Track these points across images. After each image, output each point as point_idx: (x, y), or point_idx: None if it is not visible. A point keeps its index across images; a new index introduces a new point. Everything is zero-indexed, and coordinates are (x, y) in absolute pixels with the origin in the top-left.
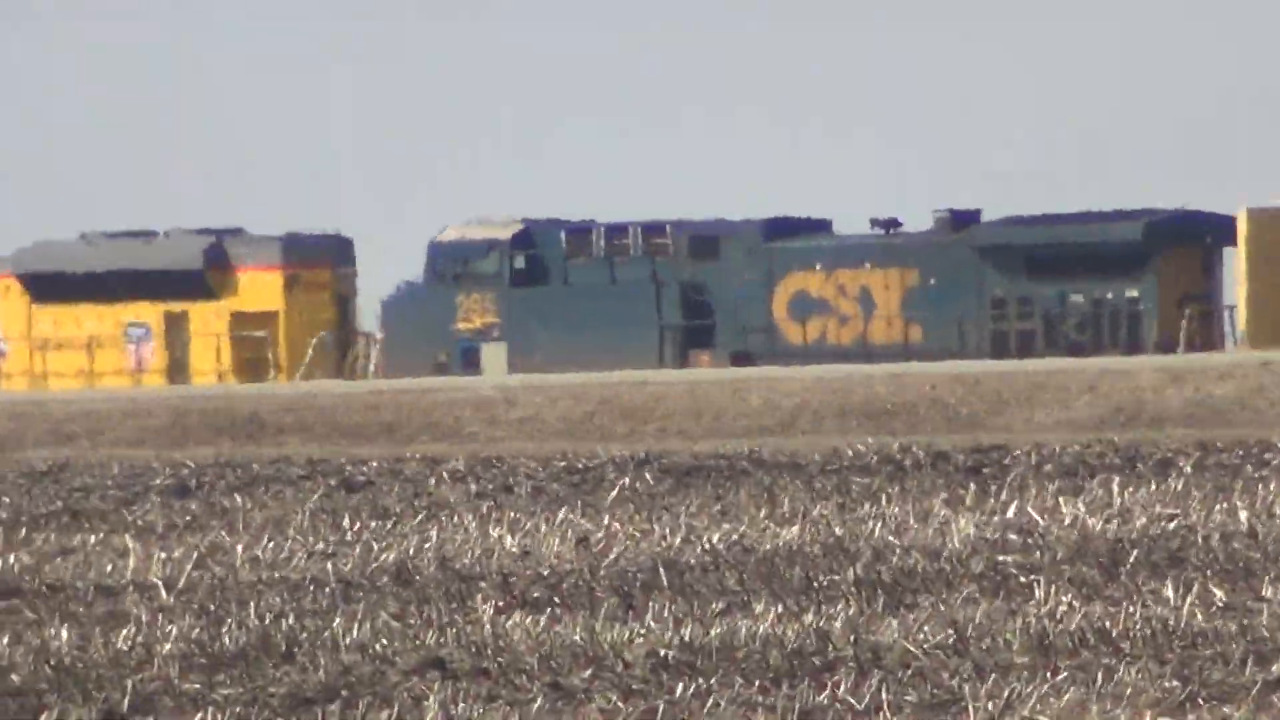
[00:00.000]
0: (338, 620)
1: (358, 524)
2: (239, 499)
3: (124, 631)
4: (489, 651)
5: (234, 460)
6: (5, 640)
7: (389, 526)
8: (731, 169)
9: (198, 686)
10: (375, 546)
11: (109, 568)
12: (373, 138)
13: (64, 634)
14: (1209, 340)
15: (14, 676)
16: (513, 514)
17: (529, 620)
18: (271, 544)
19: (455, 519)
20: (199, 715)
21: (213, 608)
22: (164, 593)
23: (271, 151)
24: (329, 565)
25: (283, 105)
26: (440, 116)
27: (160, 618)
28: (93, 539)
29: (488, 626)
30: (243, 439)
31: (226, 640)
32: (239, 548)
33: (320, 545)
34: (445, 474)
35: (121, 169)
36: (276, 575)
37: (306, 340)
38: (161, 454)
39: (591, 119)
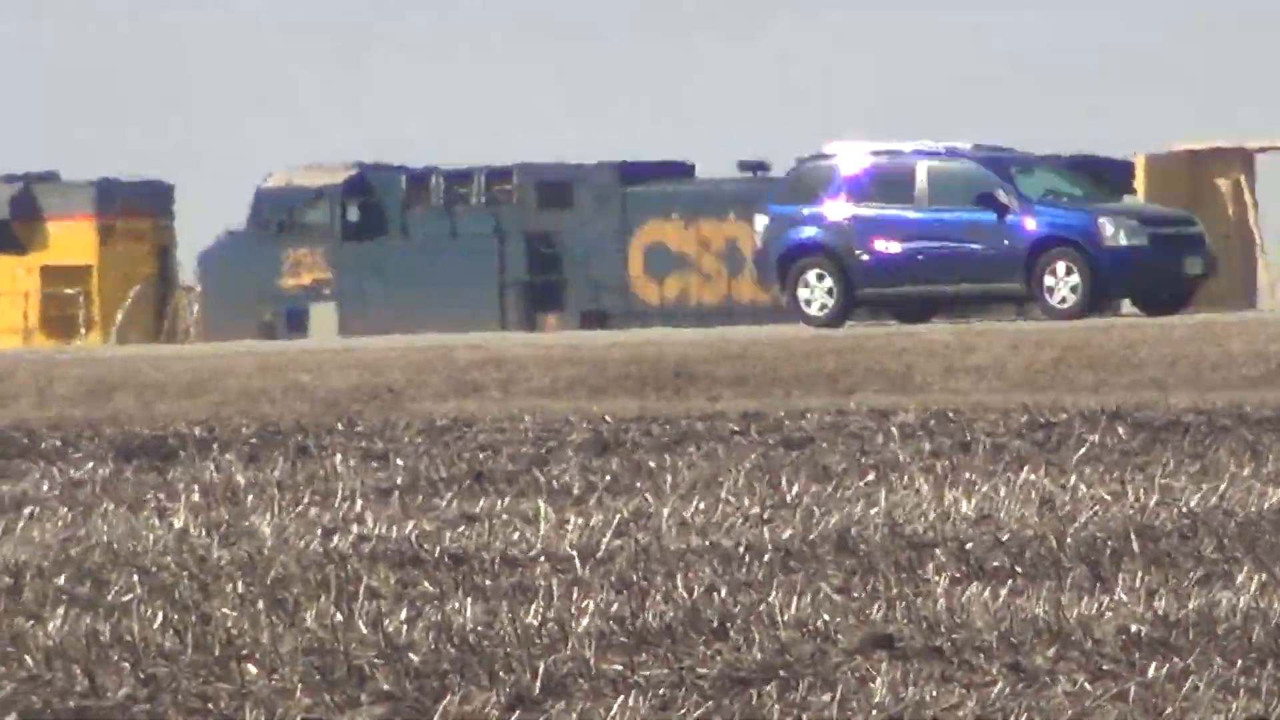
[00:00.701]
0: (775, 593)
1: (796, 485)
2: (665, 457)
3: (534, 606)
4: (943, 628)
5: (659, 414)
6: (404, 616)
7: (831, 488)
8: (588, 109)
9: (618, 667)
10: (816, 510)
11: (517, 535)
12: (197, 76)
13: (468, 609)
14: None
15: (413, 655)
16: (969, 474)
17: (987, 593)
18: (702, 507)
19: (905, 479)
20: (619, 699)
21: (635, 579)
22: (579, 563)
23: (89, 90)
24: (765, 531)
25: (100, 41)
26: (273, 55)
27: (575, 591)
28: (499, 503)
29: (941, 600)
30: (669, 391)
31: (650, 616)
32: (665, 512)
33: (755, 509)
34: (894, 429)
35: None
36: (707, 542)
37: (123, 296)
38: (578, 407)
39: (435, 57)
